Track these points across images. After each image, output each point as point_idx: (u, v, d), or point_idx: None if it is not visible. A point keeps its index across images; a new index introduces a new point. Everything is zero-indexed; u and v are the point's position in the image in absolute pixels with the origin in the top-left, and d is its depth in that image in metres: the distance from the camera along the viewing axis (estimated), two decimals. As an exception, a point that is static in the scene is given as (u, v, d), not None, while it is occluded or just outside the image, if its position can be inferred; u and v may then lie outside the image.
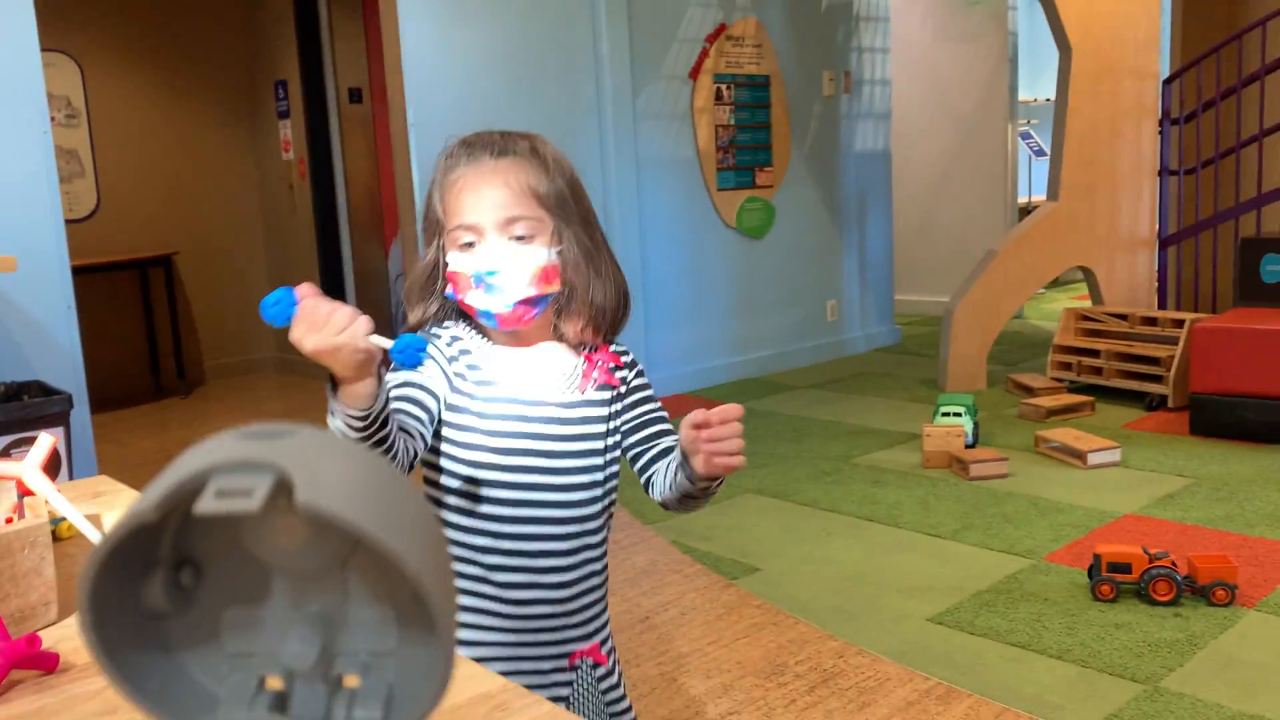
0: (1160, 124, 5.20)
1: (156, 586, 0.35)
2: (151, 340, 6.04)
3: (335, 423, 1.02)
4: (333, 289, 6.09)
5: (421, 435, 1.14)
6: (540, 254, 1.12)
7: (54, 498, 0.87)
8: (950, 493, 3.52)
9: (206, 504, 0.29)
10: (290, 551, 0.33)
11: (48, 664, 0.73)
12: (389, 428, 1.03)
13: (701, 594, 2.81)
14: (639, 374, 1.24)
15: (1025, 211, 7.19)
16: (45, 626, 0.82)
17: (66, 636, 0.78)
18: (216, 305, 6.36)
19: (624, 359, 1.24)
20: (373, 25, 5.80)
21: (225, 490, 0.29)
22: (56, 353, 3.45)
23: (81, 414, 3.36)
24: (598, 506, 1.21)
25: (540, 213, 1.12)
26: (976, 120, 7.14)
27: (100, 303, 5.68)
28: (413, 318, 1.21)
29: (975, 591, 2.72)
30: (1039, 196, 7.36)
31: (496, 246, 1.11)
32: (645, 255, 5.04)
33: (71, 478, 3.15)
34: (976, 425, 4.04)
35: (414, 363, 0.97)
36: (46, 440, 0.91)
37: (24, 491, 0.90)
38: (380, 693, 0.36)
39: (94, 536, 0.89)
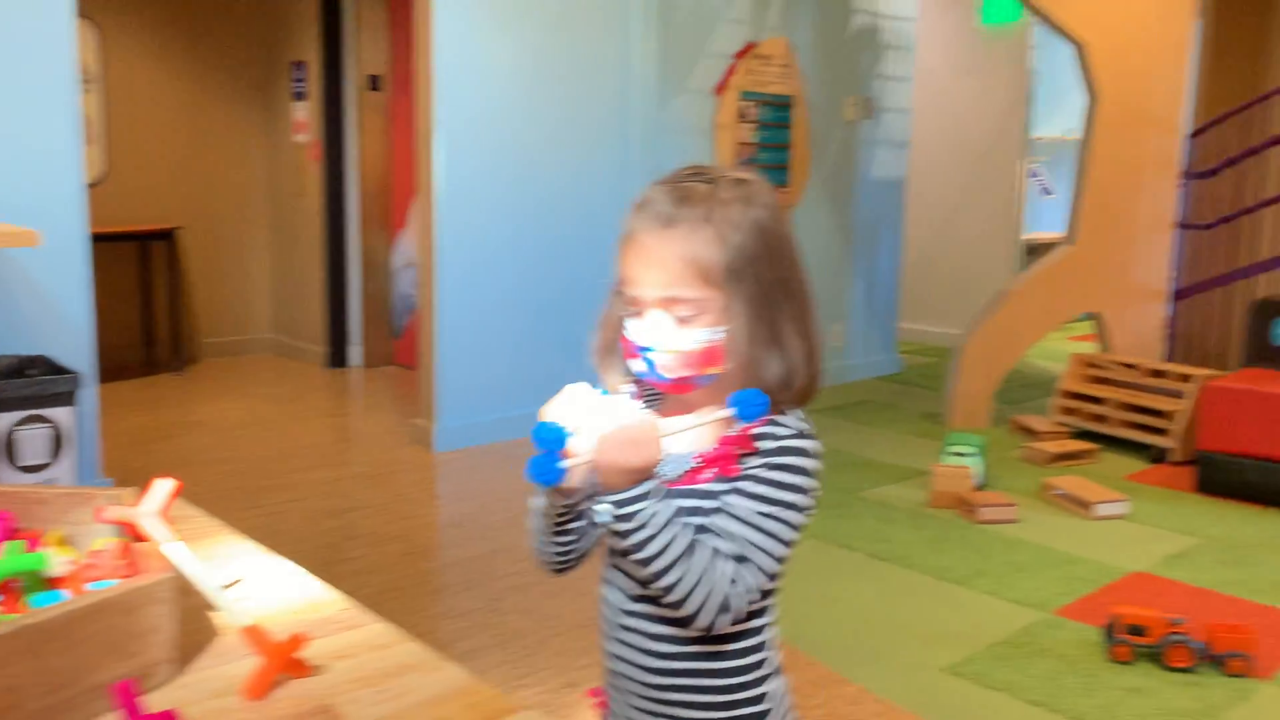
0: (1182, 178, 5.21)
1: None
2: (147, 314, 5.95)
3: (537, 501, 1.09)
4: (336, 276, 6.02)
5: None
6: (700, 336, 1.03)
7: (171, 549, 0.82)
8: (959, 535, 3.51)
9: None
10: None
11: None
12: (583, 520, 1.10)
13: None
14: (770, 461, 1.05)
15: (1030, 248, 7.20)
16: (160, 686, 0.78)
17: (183, 698, 0.74)
18: (216, 283, 6.27)
19: (762, 444, 1.05)
20: (398, 14, 5.73)
21: None
22: (66, 327, 3.38)
23: (90, 392, 3.29)
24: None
25: (705, 292, 1.03)
26: (989, 155, 7.15)
27: (98, 273, 5.57)
28: (608, 381, 1.14)
29: (990, 643, 2.70)
30: (1043, 233, 7.39)
31: (655, 323, 1.04)
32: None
33: (79, 458, 3.09)
34: (985, 467, 4.03)
35: (544, 478, 0.98)
36: (166, 485, 0.86)
37: (135, 537, 0.85)
38: None
39: (218, 600, 0.84)
